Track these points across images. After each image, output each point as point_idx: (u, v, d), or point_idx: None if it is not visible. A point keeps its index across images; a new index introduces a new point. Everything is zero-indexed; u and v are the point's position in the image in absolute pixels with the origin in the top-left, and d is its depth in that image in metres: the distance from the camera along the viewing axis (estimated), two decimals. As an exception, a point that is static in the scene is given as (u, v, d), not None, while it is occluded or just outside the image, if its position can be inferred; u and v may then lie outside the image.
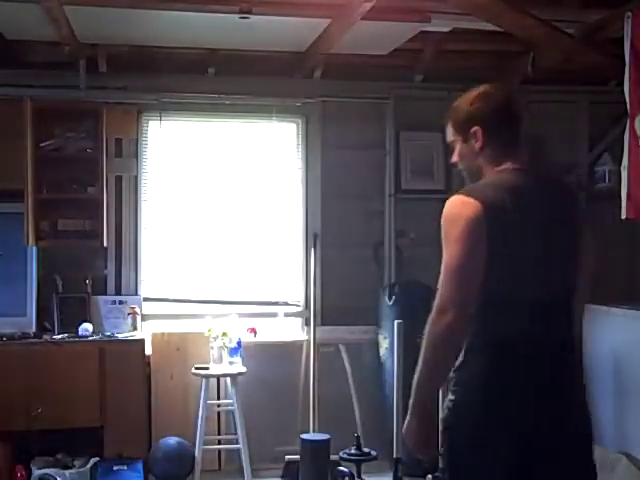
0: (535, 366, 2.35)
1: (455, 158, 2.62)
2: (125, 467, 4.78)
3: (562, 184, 2.75)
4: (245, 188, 5.48)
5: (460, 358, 2.37)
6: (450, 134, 2.62)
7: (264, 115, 5.43)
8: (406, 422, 2.36)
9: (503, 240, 2.34)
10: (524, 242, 2.39)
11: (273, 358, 5.29)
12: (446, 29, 4.67)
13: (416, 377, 2.33)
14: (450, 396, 2.37)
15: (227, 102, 5.32)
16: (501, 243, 2.33)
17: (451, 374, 2.38)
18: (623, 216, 4.06)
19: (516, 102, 2.55)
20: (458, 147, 2.59)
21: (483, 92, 2.63)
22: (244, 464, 4.87)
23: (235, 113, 5.40)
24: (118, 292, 5.29)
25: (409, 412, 2.35)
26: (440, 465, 4.55)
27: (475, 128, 2.51)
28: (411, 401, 2.34)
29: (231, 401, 4.98)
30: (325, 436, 4.86)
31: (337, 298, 5.41)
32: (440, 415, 2.42)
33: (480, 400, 2.32)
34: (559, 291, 2.51)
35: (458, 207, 2.42)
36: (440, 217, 2.49)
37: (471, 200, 2.38)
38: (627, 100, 3.93)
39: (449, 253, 2.43)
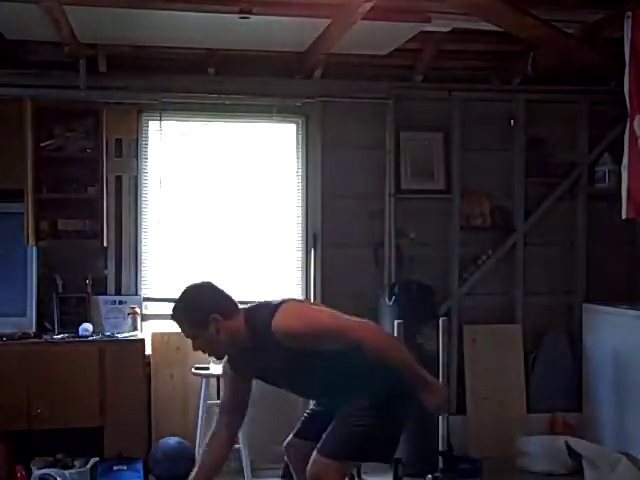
0: None
1: (202, 346, 3.17)
2: (125, 467, 4.78)
3: None
4: (245, 188, 5.48)
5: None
6: (188, 331, 3.15)
7: (264, 115, 5.42)
8: (432, 386, 3.07)
9: None
10: None
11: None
12: (446, 29, 4.67)
13: (410, 369, 3.05)
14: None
15: (227, 102, 5.32)
16: None
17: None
18: (623, 216, 4.07)
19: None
20: (201, 336, 3.12)
21: (198, 288, 3.20)
22: (244, 464, 4.87)
23: (235, 113, 5.40)
24: (118, 292, 5.29)
25: (427, 383, 3.06)
26: (440, 465, 4.57)
27: (213, 315, 3.06)
28: (422, 378, 3.06)
29: (231, 401, 4.97)
30: (325, 436, 4.85)
31: (337, 298, 5.38)
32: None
33: None
34: None
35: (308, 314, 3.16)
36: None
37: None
38: (627, 100, 3.93)
39: (336, 327, 3.07)
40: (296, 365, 3.07)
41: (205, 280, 3.26)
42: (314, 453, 3.11)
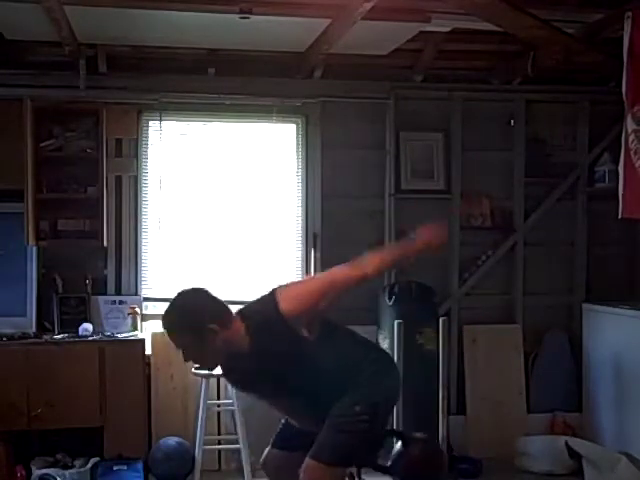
0: None
1: (194, 357, 3.05)
2: (125, 467, 4.78)
3: None
4: (245, 188, 5.48)
5: None
6: (181, 341, 2.97)
7: (264, 115, 5.42)
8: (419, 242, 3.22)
9: None
10: None
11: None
12: (446, 29, 4.67)
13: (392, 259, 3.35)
14: None
15: (227, 102, 5.32)
16: None
17: None
18: (620, 216, 4.07)
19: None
20: (195, 347, 2.96)
21: (193, 296, 3.02)
22: (244, 464, 4.87)
23: (235, 113, 5.40)
24: (118, 292, 5.29)
25: (414, 246, 3.25)
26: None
27: (211, 325, 2.91)
28: (409, 250, 3.29)
29: (231, 401, 4.98)
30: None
31: (337, 298, 5.40)
32: None
33: None
34: None
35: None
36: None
37: None
38: (624, 99, 3.95)
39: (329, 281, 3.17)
40: (297, 360, 3.01)
41: (198, 287, 3.07)
42: (307, 459, 3.01)
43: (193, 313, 2.96)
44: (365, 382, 3.08)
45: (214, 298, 3.02)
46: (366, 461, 3.26)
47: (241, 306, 3.14)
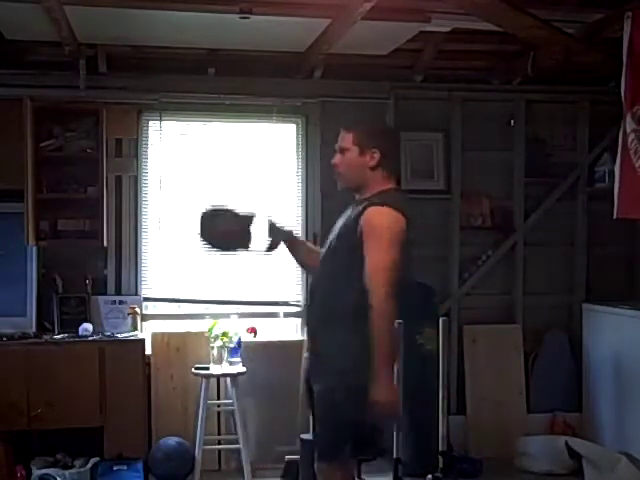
0: None
1: (340, 163, 3.13)
2: (125, 467, 4.78)
3: None
4: (245, 188, 5.48)
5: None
6: (347, 141, 3.09)
7: (264, 115, 5.42)
8: (386, 387, 2.88)
9: (408, 250, 3.02)
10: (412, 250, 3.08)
11: (273, 358, 5.28)
12: (446, 29, 4.67)
13: (384, 349, 2.94)
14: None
15: (227, 102, 5.32)
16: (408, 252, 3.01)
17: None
18: (614, 215, 4.07)
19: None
20: (349, 156, 3.09)
21: (389, 126, 3.35)
22: (244, 464, 4.87)
23: (235, 113, 5.40)
24: (118, 292, 5.28)
25: (385, 377, 2.88)
26: (440, 465, 4.57)
27: (375, 149, 3.05)
28: (385, 367, 2.90)
29: (231, 401, 4.98)
30: (325, 436, 4.84)
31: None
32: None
33: None
34: None
35: (394, 219, 2.97)
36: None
37: (400, 216, 2.96)
38: (622, 99, 3.95)
39: (388, 256, 2.91)
40: (335, 257, 3.10)
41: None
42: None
43: (383, 132, 3.24)
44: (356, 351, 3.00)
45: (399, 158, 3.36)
46: (365, 451, 3.24)
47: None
